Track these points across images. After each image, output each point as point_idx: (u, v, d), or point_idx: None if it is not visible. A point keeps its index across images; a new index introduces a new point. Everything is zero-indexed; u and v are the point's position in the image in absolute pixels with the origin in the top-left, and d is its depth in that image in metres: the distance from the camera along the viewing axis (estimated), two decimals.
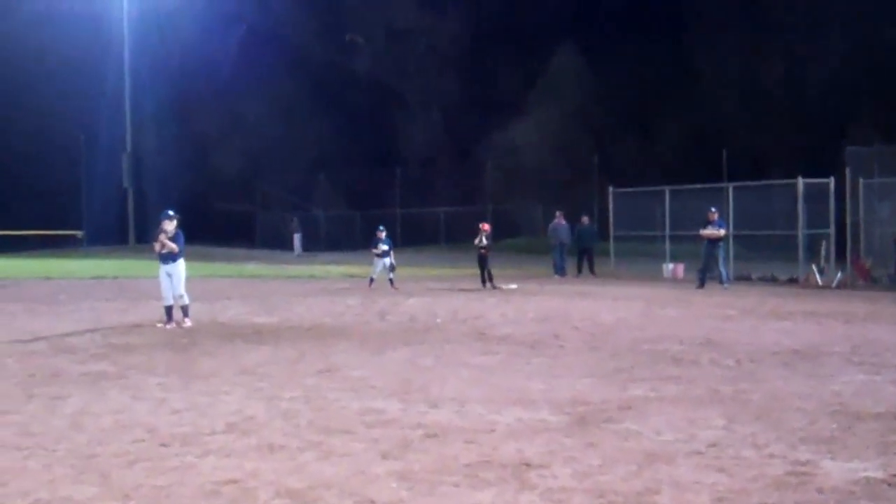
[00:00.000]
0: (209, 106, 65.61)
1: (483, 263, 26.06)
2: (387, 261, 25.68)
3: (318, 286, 27.01)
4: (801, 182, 27.85)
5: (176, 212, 16.25)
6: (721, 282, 25.92)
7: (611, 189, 34.18)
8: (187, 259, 16.46)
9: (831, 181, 27.21)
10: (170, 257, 15.91)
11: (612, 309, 19.68)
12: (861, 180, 26.37)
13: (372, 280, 25.77)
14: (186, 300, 15.94)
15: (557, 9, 61.08)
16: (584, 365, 11.60)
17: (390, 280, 25.45)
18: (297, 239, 55.50)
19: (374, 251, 26.03)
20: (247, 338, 14.34)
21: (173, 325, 15.57)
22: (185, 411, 8.71)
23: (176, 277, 15.84)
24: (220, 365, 11.56)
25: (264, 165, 65.47)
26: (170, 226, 15.85)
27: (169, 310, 15.79)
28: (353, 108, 66.59)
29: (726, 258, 27.27)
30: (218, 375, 10.75)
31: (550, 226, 33.04)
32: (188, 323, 15.69)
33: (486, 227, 26.70)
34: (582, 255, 32.55)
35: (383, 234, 26.11)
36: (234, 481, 6.41)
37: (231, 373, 10.93)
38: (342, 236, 58.01)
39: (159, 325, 15.66)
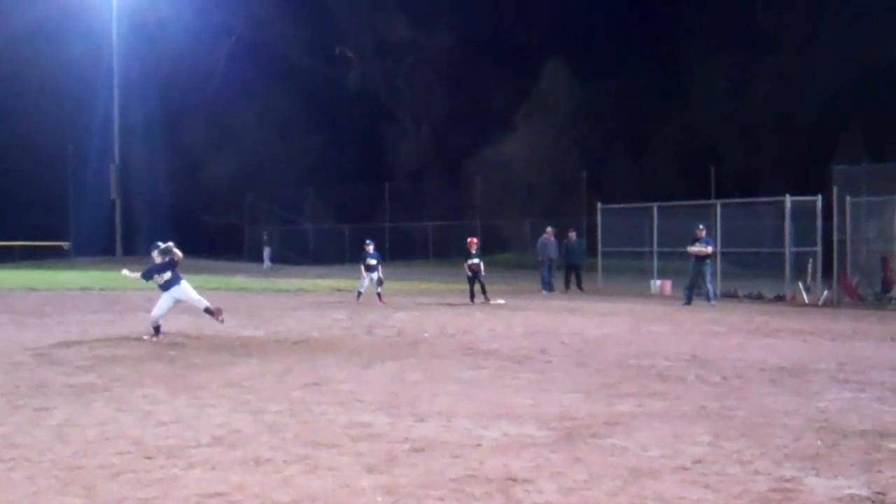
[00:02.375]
0: (198, 118, 65.65)
1: (472, 278, 26.06)
2: (374, 275, 25.67)
3: (305, 300, 27.00)
4: (788, 200, 27.95)
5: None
6: (708, 299, 25.98)
7: (599, 205, 34.25)
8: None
9: (819, 199, 27.31)
10: (163, 285, 15.91)
11: (600, 325, 19.70)
12: (848, 198, 26.43)
13: (360, 294, 25.75)
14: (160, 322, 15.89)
15: (548, 25, 61.32)
16: (571, 380, 11.61)
17: (378, 294, 25.43)
18: (266, 252, 55.47)
19: (363, 265, 26.03)
20: (234, 351, 14.32)
21: (160, 336, 15.54)
22: (171, 424, 8.68)
23: (169, 300, 15.85)
24: (207, 377, 11.53)
25: (253, 178, 65.45)
26: (157, 258, 15.96)
27: (157, 327, 15.75)
28: (343, 121, 66.68)
29: (713, 275, 27.31)
30: (204, 388, 10.72)
31: (539, 241, 33.08)
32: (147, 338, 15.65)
33: (473, 241, 26.69)
34: (569, 271, 32.60)
35: (371, 248, 26.12)
36: (220, 494, 6.40)
37: (217, 385, 10.90)
38: (330, 250, 58.01)
39: (146, 337, 15.62)
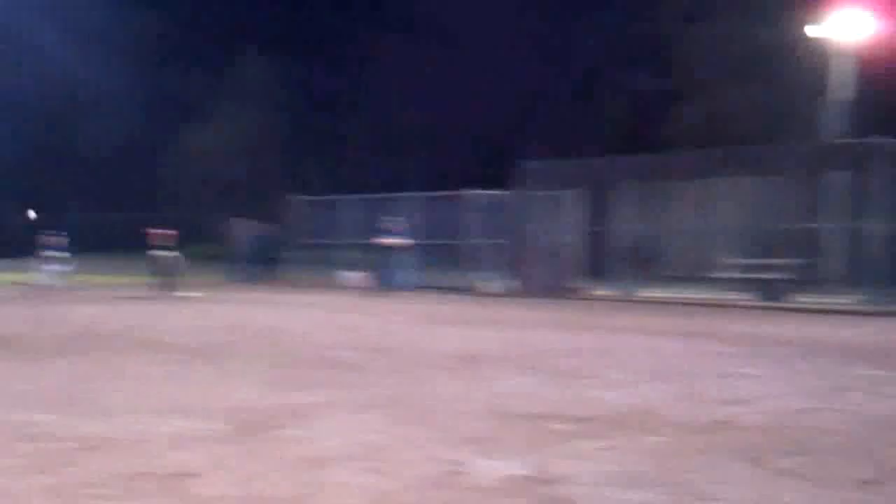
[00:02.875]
0: None
1: (163, 270, 25.52)
2: (58, 267, 24.68)
3: None
4: (475, 193, 28.96)
5: None
6: (398, 289, 26.55)
7: (294, 197, 34.31)
8: None
9: (504, 193, 28.43)
10: None
11: (292, 317, 19.73)
12: (531, 192, 27.67)
13: (41, 286, 24.67)
14: None
15: (246, 15, 60.80)
16: (256, 372, 11.55)
17: (58, 286, 24.46)
18: None
19: (42, 256, 24.98)
20: None
21: None
22: None
23: None
24: None
25: None
26: None
27: None
28: (30, 106, 63.67)
29: (406, 266, 27.93)
30: None
31: (234, 233, 32.81)
32: None
33: (158, 233, 26.16)
34: (265, 263, 32.50)
35: (53, 240, 25.09)
36: None
37: None
38: (11, 241, 55.20)
39: None
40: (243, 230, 32.81)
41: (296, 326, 17.71)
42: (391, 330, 17.34)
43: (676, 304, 24.70)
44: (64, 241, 25.26)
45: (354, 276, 31.02)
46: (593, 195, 28.15)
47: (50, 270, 24.72)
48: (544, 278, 28.19)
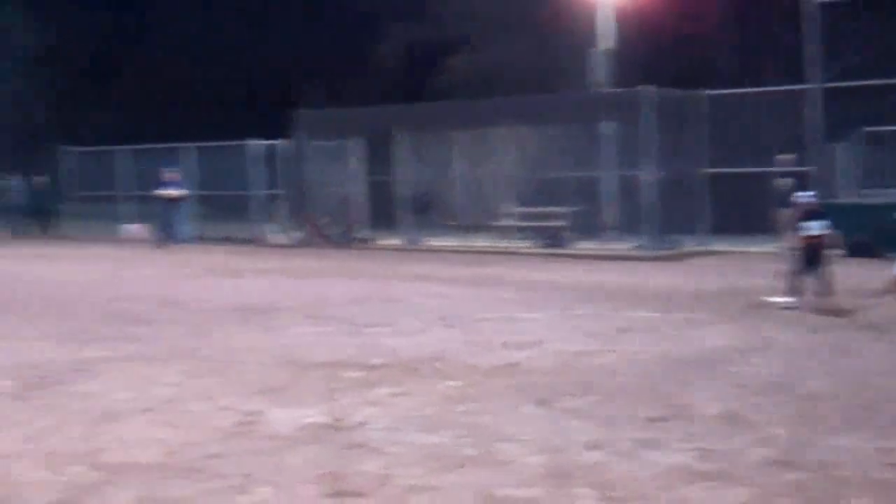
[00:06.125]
0: None
1: None
2: None
3: None
4: (255, 143, 28.61)
5: None
6: (180, 241, 25.96)
7: (66, 148, 33.10)
8: None
9: (282, 143, 28.16)
10: None
11: (72, 271, 19.15)
12: (311, 142, 27.55)
13: None
14: None
15: None
16: (40, 328, 11.20)
17: None
18: None
19: None
20: None
21: None
22: None
23: None
24: None
25: None
26: None
27: None
28: None
29: (186, 218, 27.37)
30: None
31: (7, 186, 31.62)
32: None
33: None
34: (38, 216, 31.33)
35: None
36: None
37: None
38: None
39: None
40: (15, 182, 31.39)
41: (76, 280, 17.12)
42: (178, 282, 16.98)
43: (461, 252, 25.08)
44: None
45: (136, 229, 29.94)
46: (373, 144, 28.17)
47: None
48: (330, 228, 28.07)
